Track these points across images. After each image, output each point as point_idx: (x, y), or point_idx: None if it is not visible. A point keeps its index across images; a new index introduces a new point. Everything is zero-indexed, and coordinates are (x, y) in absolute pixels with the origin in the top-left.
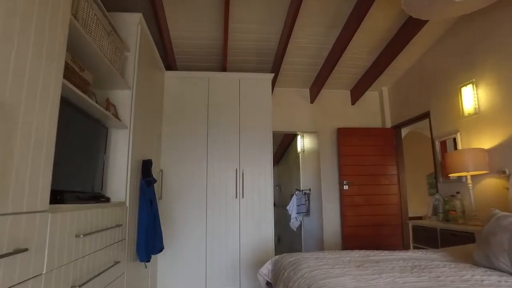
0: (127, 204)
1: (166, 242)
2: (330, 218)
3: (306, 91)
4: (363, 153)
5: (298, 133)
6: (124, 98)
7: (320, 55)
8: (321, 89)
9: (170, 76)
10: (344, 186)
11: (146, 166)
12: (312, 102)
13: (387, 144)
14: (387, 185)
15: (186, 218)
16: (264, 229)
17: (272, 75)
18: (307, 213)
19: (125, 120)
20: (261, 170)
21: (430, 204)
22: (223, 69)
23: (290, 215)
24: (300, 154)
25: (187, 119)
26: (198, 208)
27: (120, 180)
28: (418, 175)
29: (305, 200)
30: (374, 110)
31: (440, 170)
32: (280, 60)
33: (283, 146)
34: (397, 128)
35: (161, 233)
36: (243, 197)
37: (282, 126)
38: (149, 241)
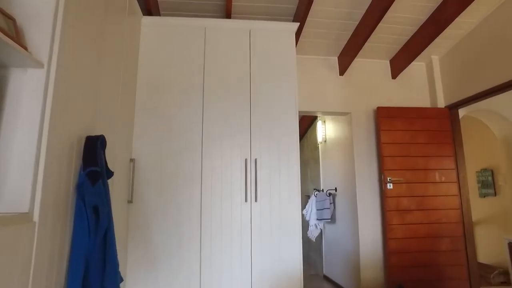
0: (36, 219)
1: (136, 273)
2: (367, 227)
3: (334, 60)
4: (411, 140)
5: (319, 116)
6: (40, 11)
7: (354, 12)
8: (354, 58)
9: (149, 23)
10: (388, 185)
11: (91, 147)
12: (341, 74)
13: (442, 129)
14: (444, 184)
15: (169, 234)
16: (287, 253)
17: (297, 24)
18: (331, 219)
19: (40, 51)
20: (283, 161)
21: None
22: (227, 15)
23: (308, 222)
24: (320, 145)
25: (174, 86)
26: (188, 219)
27: (21, 171)
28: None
29: (330, 203)
30: (420, 86)
31: None
32: (306, 6)
33: None
34: (454, 108)
35: (116, 264)
36: (256, 201)
37: (302, 105)
38: (92, 281)
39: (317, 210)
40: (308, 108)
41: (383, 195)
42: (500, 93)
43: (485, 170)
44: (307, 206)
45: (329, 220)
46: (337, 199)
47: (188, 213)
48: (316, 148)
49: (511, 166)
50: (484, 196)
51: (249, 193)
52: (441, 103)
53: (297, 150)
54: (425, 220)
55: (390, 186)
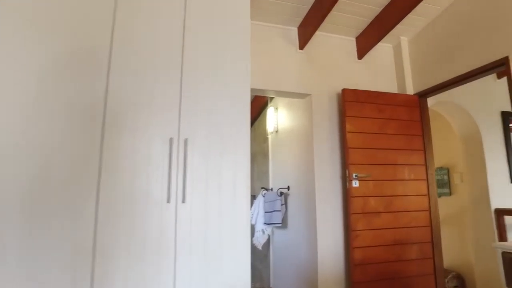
0: None
1: None
2: (327, 233)
3: (294, 32)
4: (380, 130)
5: (271, 103)
6: None
7: None
8: (316, 30)
9: None
10: (353, 182)
11: None
12: (301, 48)
13: (412, 118)
14: (413, 181)
15: (33, 256)
16: (230, 276)
17: None
18: (283, 223)
19: None
20: (228, 144)
21: None
22: None
23: (253, 227)
24: (270, 136)
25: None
26: (73, 231)
27: None
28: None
29: (281, 204)
30: (388, 70)
31: None
32: None
33: None
34: (423, 96)
35: None
36: (184, 202)
37: (254, 83)
38: None
39: (265, 212)
40: (259, 85)
41: (347, 194)
42: (471, 81)
43: (441, 168)
44: (252, 208)
45: (280, 224)
46: (290, 200)
47: (75, 223)
48: (265, 140)
49: (468, 164)
50: (440, 196)
51: (174, 189)
52: (410, 90)
53: (247, 131)
54: (394, 223)
55: (356, 183)
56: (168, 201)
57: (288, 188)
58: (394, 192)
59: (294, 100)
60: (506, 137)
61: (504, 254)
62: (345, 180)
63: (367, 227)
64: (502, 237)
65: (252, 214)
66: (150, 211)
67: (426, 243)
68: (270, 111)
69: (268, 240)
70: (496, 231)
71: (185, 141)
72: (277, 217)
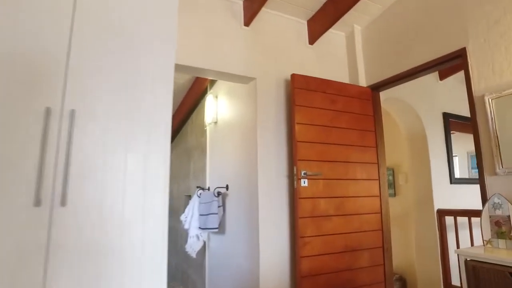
0: None
1: None
2: (271, 240)
3: (238, 5)
4: (331, 123)
5: (211, 90)
6: None
7: None
8: (262, 7)
9: None
10: (302, 181)
11: None
12: (247, 24)
13: (365, 112)
14: (365, 181)
15: None
16: None
17: None
18: (220, 228)
19: None
20: (138, 124)
21: (485, 216)
22: None
23: (187, 231)
24: (208, 128)
25: None
26: None
27: None
28: None
29: (218, 206)
30: (340, 59)
31: (491, 151)
32: None
33: (178, 117)
34: (375, 89)
35: None
36: (64, 204)
37: (186, 59)
38: None
39: (200, 215)
40: (196, 63)
41: (295, 195)
42: (426, 74)
43: (386, 169)
44: (186, 210)
45: (217, 229)
46: (229, 201)
47: None
48: (203, 133)
49: (413, 164)
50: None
51: (50, 186)
52: (362, 82)
53: (168, 105)
54: (345, 228)
55: (304, 183)
56: (39, 204)
57: (227, 187)
58: (345, 193)
59: (236, 86)
60: (446, 138)
61: (467, 261)
62: (293, 179)
63: (316, 233)
64: (443, 237)
65: (186, 217)
66: (8, 220)
67: (377, 249)
68: (209, 99)
69: (204, 247)
70: (437, 232)
71: (71, 113)
72: (214, 221)
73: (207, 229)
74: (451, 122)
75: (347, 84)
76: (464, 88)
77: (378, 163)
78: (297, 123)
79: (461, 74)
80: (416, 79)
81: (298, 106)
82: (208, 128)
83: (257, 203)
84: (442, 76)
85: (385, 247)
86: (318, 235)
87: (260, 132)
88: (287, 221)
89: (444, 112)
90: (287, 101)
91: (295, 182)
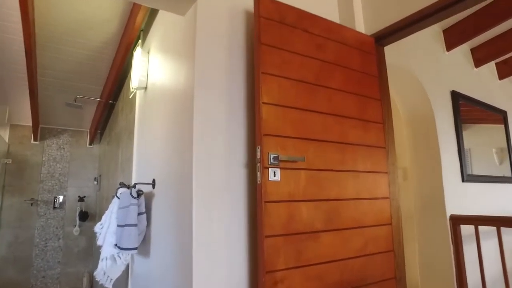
0: None
1: None
2: (217, 278)
3: None
4: (317, 79)
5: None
6: None
7: None
8: None
9: None
10: (271, 172)
11: None
12: None
13: (367, 71)
14: (370, 174)
15: None
16: None
17: None
18: (143, 245)
19: None
20: None
21: None
22: None
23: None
24: (138, 97)
25: None
26: None
27: None
28: None
29: (138, 214)
30: None
31: None
32: None
33: (107, 91)
34: (381, 41)
35: None
36: None
37: None
38: None
39: (118, 226)
40: None
41: (258, 197)
42: (445, 17)
43: None
44: (103, 218)
45: (135, 250)
46: (156, 206)
47: None
48: (132, 106)
49: (416, 156)
50: None
51: None
52: (360, 27)
53: None
54: (341, 252)
55: (275, 175)
56: None
57: (153, 183)
58: (341, 193)
59: (171, 32)
60: (456, 123)
61: None
62: (255, 168)
63: (294, 263)
64: (459, 253)
65: (102, 226)
66: None
67: (387, 282)
68: (137, 55)
69: (127, 272)
70: (451, 245)
71: None
72: (131, 237)
73: (123, 250)
74: (462, 104)
75: (342, 25)
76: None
77: (387, 148)
78: (264, 73)
79: (467, 47)
80: (421, 45)
81: (267, 47)
82: (137, 98)
83: (191, 213)
84: (449, 46)
85: (397, 277)
86: (297, 267)
87: (199, 92)
88: (245, 244)
89: (453, 91)
90: (247, 42)
91: (259, 174)
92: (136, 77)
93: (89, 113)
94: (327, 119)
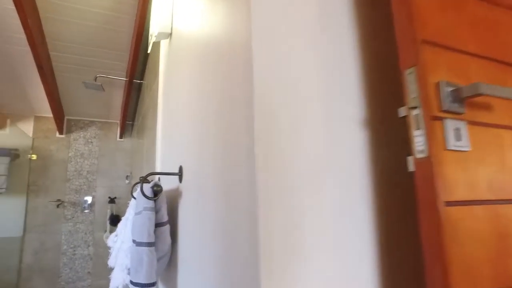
0: None
1: None
2: None
3: None
4: None
5: None
6: None
7: None
8: None
9: None
10: (447, 129)
11: None
12: None
13: None
14: None
15: None
16: None
17: None
18: (168, 275)
19: None
20: None
21: None
22: None
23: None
24: (162, 49)
25: None
26: None
27: None
28: None
29: (158, 225)
30: None
31: None
32: None
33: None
34: None
35: None
36: None
37: None
38: None
39: (133, 243)
40: None
41: (422, 188)
42: None
43: None
44: (120, 225)
45: (153, 286)
46: (185, 208)
47: None
48: (154, 67)
49: None
50: None
51: None
52: None
53: None
54: None
55: (458, 135)
56: None
57: (180, 174)
58: None
59: None
60: None
61: None
62: (407, 123)
63: None
64: None
65: (115, 242)
66: None
67: None
68: None
69: None
70: None
71: None
72: (142, 265)
73: (133, 285)
74: None
75: None
76: None
77: None
78: None
79: None
80: None
81: None
82: (161, 52)
83: (254, 225)
84: None
85: None
86: None
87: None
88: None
89: None
90: None
91: (419, 136)
92: (157, 22)
93: (117, 100)
94: None
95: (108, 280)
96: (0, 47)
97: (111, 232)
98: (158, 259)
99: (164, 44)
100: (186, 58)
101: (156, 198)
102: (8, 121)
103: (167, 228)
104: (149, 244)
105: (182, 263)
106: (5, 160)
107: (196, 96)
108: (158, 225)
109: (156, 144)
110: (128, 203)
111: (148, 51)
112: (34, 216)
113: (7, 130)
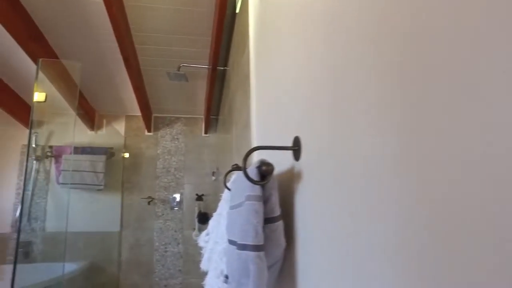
0: None
1: None
2: None
3: None
4: None
5: None
6: None
7: None
8: None
9: None
10: None
11: None
12: None
13: None
14: None
15: None
16: None
17: None
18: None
19: None
20: None
21: None
22: None
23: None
24: (253, 14)
25: None
26: None
27: None
28: None
29: (266, 221)
30: None
31: None
32: None
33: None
34: None
35: None
36: None
37: None
38: None
39: (230, 243)
40: None
41: None
42: None
43: None
44: (211, 222)
45: None
46: (307, 197)
47: None
48: (245, 43)
49: None
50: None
51: None
52: None
53: None
54: None
55: None
56: None
57: (297, 148)
58: None
59: None
60: None
61: None
62: None
63: None
64: None
65: (207, 242)
66: None
67: None
68: None
69: None
70: None
71: None
72: (244, 274)
73: None
74: None
75: None
76: None
77: None
78: None
79: None
80: None
81: None
82: (250, 12)
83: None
84: None
85: None
86: None
87: None
88: None
89: None
90: None
91: None
92: None
93: (201, 94)
94: None
95: (199, 279)
96: (92, 46)
97: (199, 230)
98: (269, 267)
99: (253, 2)
100: (283, 15)
101: (265, 182)
102: (104, 121)
103: (280, 225)
104: (257, 248)
105: (304, 275)
106: (103, 158)
107: (305, 52)
108: (267, 220)
109: (250, 121)
110: (220, 197)
111: (237, 11)
112: (129, 212)
113: (103, 130)
